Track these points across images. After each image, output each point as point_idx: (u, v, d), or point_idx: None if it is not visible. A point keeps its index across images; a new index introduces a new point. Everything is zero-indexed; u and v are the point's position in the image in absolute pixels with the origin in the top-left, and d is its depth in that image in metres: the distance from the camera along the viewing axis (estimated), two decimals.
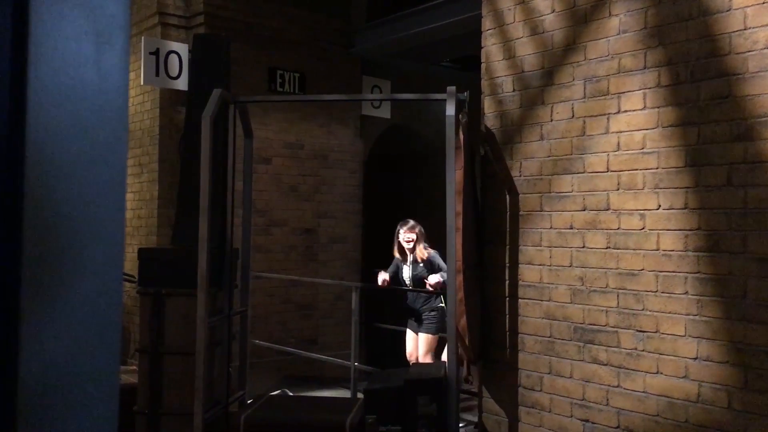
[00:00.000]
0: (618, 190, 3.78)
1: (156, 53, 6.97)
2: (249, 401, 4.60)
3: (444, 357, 6.12)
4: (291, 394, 6.41)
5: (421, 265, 6.24)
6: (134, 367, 5.11)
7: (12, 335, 0.76)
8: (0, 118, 0.74)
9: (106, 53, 0.82)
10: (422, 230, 6.31)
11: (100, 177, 0.83)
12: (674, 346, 3.52)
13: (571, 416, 3.95)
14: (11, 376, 0.76)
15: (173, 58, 7.06)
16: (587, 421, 3.87)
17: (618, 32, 3.79)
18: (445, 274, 6.16)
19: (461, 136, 4.23)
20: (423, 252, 6.23)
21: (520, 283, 4.25)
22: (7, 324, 0.75)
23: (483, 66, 4.53)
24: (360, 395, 5.09)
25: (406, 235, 6.27)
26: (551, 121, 4.11)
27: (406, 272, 6.35)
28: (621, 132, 3.77)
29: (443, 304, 6.18)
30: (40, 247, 0.78)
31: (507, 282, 4.32)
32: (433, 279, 6.09)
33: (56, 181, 0.79)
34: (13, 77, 0.74)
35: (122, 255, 0.94)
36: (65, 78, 0.78)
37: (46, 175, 0.78)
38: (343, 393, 6.48)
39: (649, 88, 3.65)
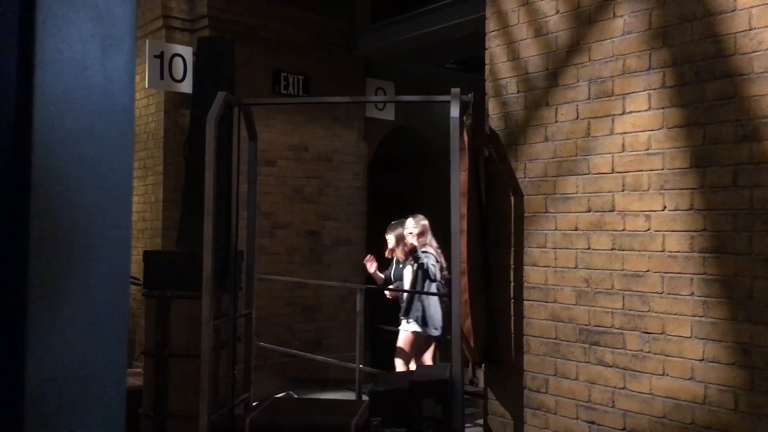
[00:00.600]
0: (623, 191, 3.77)
1: (160, 56, 6.99)
2: (254, 404, 4.60)
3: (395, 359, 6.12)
4: (296, 396, 6.41)
5: (401, 265, 6.35)
6: (139, 370, 5.12)
7: (19, 338, 0.76)
8: (7, 121, 0.74)
9: (113, 56, 0.82)
10: (401, 232, 6.37)
11: (106, 179, 0.83)
12: (680, 347, 3.51)
13: (577, 418, 3.94)
14: (18, 377, 0.76)
15: (177, 61, 7.07)
16: (593, 423, 3.86)
17: (623, 33, 3.78)
18: (399, 283, 6.24)
19: (465, 138, 4.22)
20: (400, 252, 6.35)
21: (525, 284, 4.24)
22: (14, 326, 0.75)
23: (487, 67, 4.53)
24: (365, 397, 5.09)
25: (386, 237, 6.46)
26: (556, 122, 4.11)
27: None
28: (626, 133, 3.76)
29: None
30: (47, 250, 0.78)
31: (512, 284, 4.31)
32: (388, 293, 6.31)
33: (63, 184, 0.79)
34: (19, 80, 0.74)
35: (129, 257, 0.94)
36: (72, 81, 0.78)
37: (53, 177, 0.78)
38: (348, 395, 6.47)
39: (654, 89, 3.64)
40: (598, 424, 3.84)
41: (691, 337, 3.47)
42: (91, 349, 0.83)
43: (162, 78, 6.99)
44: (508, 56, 4.39)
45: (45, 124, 0.76)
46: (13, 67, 0.73)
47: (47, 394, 0.78)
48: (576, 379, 3.95)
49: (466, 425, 4.55)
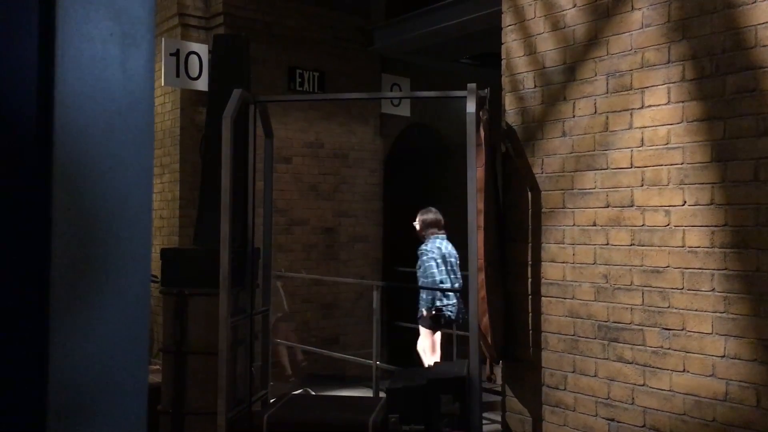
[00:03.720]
0: (642, 186, 3.73)
1: (176, 54, 7.01)
2: (271, 400, 4.61)
3: None
4: (313, 393, 6.42)
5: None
6: (157, 367, 5.14)
7: (42, 336, 0.76)
8: (28, 119, 0.74)
9: (132, 55, 0.82)
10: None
11: (127, 177, 0.83)
12: (701, 343, 3.47)
13: (596, 415, 3.92)
14: (42, 376, 0.76)
15: (193, 58, 7.10)
16: (612, 420, 3.83)
17: (641, 26, 3.74)
18: None
19: (482, 134, 4.20)
20: None
21: (543, 280, 4.21)
22: (37, 325, 0.75)
23: (504, 62, 4.50)
24: (382, 394, 5.09)
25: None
26: (573, 117, 4.08)
27: None
28: (645, 127, 3.72)
29: None
30: (69, 249, 0.77)
31: (530, 280, 4.28)
32: None
33: (84, 182, 0.78)
34: (40, 79, 0.74)
35: (149, 255, 0.93)
36: (92, 80, 0.78)
37: (74, 176, 0.77)
38: (365, 392, 6.48)
39: (674, 83, 3.60)
40: (618, 421, 3.81)
41: (712, 334, 3.43)
42: (113, 351, 0.83)
43: (178, 76, 7.02)
44: (524, 51, 4.36)
45: (65, 122, 0.76)
46: (34, 66, 0.73)
47: (70, 395, 0.78)
48: (595, 376, 3.93)
49: (484, 422, 4.53)
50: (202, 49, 7.14)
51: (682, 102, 3.56)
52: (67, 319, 0.78)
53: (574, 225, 4.06)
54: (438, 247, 6.22)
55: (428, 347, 6.23)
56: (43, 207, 0.75)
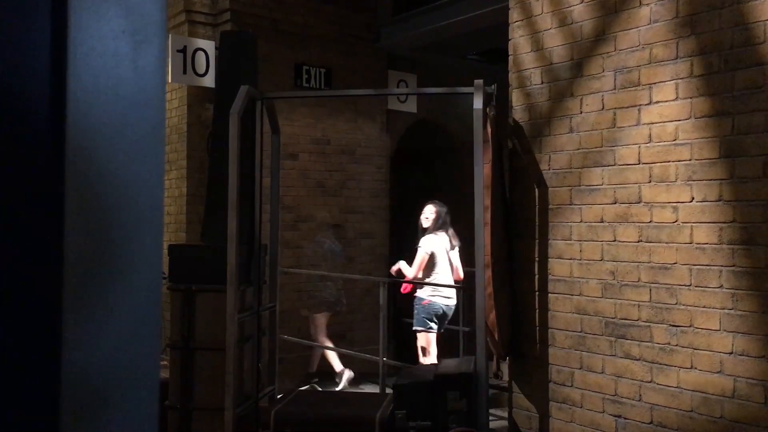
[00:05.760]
0: (650, 182, 3.72)
1: (183, 51, 7.01)
2: (278, 396, 4.63)
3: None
4: (320, 389, 6.43)
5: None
6: (165, 363, 5.16)
7: (55, 333, 0.76)
8: (40, 117, 0.74)
9: (144, 52, 0.82)
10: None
11: (138, 174, 0.83)
12: (709, 340, 3.46)
13: (603, 412, 3.91)
14: (54, 373, 0.76)
15: (200, 55, 7.10)
16: (620, 416, 3.83)
17: (649, 22, 3.73)
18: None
19: (489, 130, 4.20)
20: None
21: (550, 277, 4.21)
22: (49, 322, 0.76)
23: (511, 58, 4.49)
24: (389, 390, 5.09)
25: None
26: (581, 113, 4.07)
27: None
28: (653, 123, 3.71)
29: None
30: (81, 245, 0.78)
31: (537, 276, 4.28)
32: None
33: (96, 180, 0.79)
34: (52, 77, 0.74)
35: (161, 252, 0.94)
36: (103, 77, 0.79)
37: (86, 173, 0.78)
38: (372, 388, 6.48)
39: (682, 79, 3.59)
40: (625, 418, 3.80)
41: (719, 330, 3.42)
42: (125, 346, 0.83)
43: (185, 72, 7.02)
44: (531, 47, 4.35)
45: (78, 121, 0.76)
46: (46, 63, 0.73)
47: (83, 390, 0.78)
48: (602, 373, 3.92)
49: (491, 419, 4.53)
50: (209, 45, 7.14)
51: (690, 98, 3.55)
52: (79, 315, 0.79)
53: (581, 221, 4.06)
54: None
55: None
56: (55, 203, 0.76)
